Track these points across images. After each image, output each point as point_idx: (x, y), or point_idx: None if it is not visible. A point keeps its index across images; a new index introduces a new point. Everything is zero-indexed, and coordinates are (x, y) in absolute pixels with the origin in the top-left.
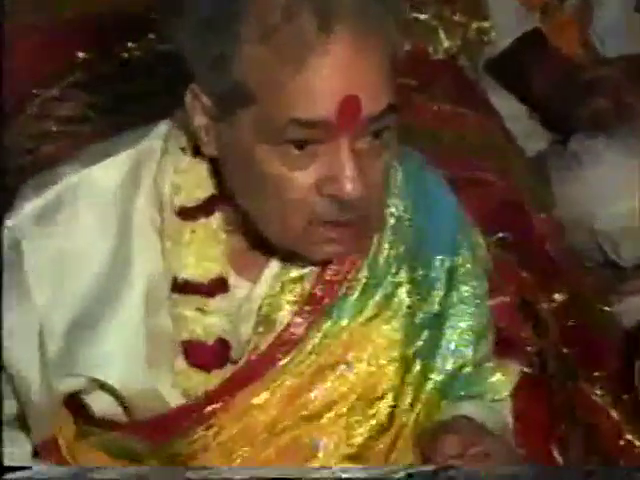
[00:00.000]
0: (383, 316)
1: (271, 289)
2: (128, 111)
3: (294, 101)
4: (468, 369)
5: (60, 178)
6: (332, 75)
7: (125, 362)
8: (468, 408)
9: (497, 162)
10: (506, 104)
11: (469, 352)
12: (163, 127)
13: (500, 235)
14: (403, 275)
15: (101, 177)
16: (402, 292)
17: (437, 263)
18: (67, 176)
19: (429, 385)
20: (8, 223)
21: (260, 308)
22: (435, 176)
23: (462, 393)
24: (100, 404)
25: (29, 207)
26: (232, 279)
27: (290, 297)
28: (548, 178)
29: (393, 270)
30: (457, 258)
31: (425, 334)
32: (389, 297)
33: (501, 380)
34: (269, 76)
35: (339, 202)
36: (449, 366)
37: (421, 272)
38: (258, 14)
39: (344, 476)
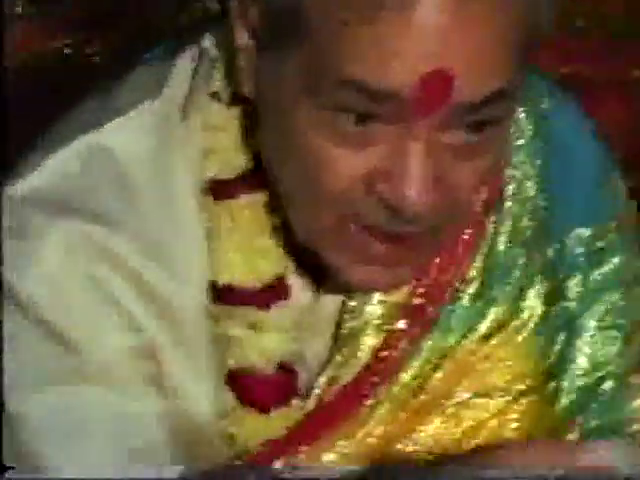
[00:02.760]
0: (509, 327)
1: (351, 295)
2: None
3: (356, 55)
4: (609, 384)
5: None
6: (419, 35)
7: None
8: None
9: None
10: None
11: (612, 358)
12: (186, 62)
13: None
14: (534, 263)
15: (121, 144)
16: (534, 290)
17: (572, 238)
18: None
19: (556, 410)
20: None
21: (338, 321)
22: (570, 111)
23: (594, 423)
24: None
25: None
26: (292, 279)
27: (380, 307)
28: None
29: (520, 260)
30: (599, 227)
31: (560, 341)
32: (515, 299)
33: None
34: (333, 9)
35: (395, 210)
36: (583, 381)
37: (553, 252)
38: None
39: None
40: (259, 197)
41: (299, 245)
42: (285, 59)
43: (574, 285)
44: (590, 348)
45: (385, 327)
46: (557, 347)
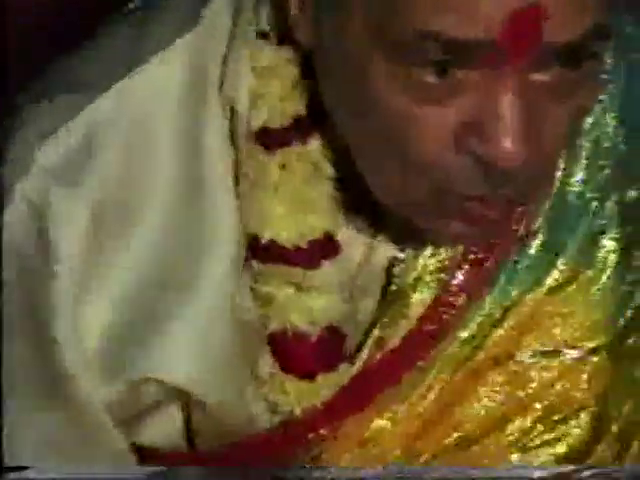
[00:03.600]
0: (581, 279)
1: (403, 248)
2: None
3: (435, 3)
4: None
5: (87, 98)
6: None
7: (199, 363)
8: None
9: None
10: None
11: None
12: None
13: None
14: (609, 209)
15: (159, 77)
16: (609, 237)
17: None
18: (97, 94)
19: (633, 371)
20: (17, 186)
21: (389, 277)
22: None
23: None
24: (159, 424)
25: (47, 157)
26: (342, 234)
27: (433, 260)
28: None
29: (593, 205)
30: None
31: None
32: (588, 247)
33: None
34: None
35: (488, 167)
36: None
37: (633, 194)
38: None
39: None
40: (311, 146)
41: (355, 196)
42: (349, 8)
43: None
44: None
45: (439, 282)
46: (637, 301)
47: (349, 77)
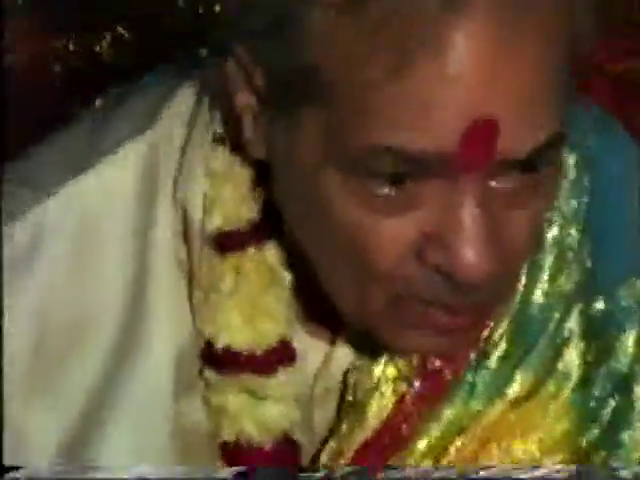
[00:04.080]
0: (543, 391)
1: (361, 355)
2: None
3: (386, 118)
4: None
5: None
6: (457, 84)
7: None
8: None
9: None
10: None
11: None
12: (184, 100)
13: None
14: (574, 319)
15: (111, 179)
16: (573, 350)
17: (624, 289)
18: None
19: None
20: None
21: (345, 386)
22: (619, 148)
23: None
24: None
25: None
26: (300, 341)
27: (391, 369)
28: None
29: (556, 314)
30: None
31: (608, 410)
32: (552, 358)
33: None
34: (354, 68)
35: (451, 278)
36: None
37: (600, 307)
38: None
39: None
40: (266, 251)
41: (313, 303)
42: (301, 122)
43: (626, 343)
44: None
45: (395, 391)
46: (605, 416)
47: (303, 189)
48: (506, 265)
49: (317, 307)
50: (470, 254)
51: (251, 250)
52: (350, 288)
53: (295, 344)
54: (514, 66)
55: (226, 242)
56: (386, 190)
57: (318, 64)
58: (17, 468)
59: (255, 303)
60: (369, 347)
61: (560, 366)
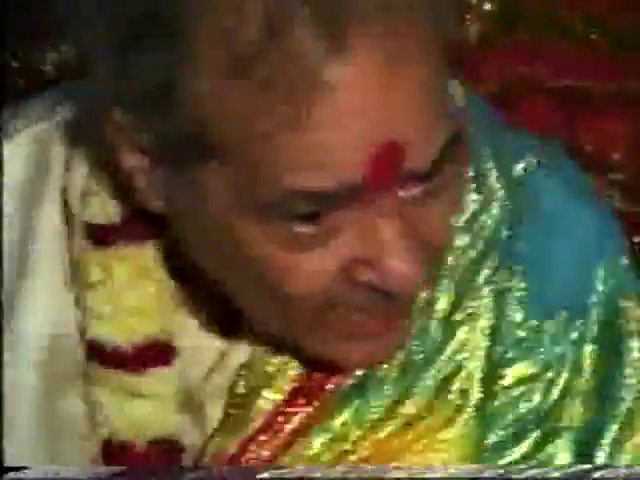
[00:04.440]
0: (438, 415)
1: (254, 352)
2: None
3: (290, 164)
4: None
5: None
6: (353, 120)
7: None
8: None
9: None
10: None
11: None
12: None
13: None
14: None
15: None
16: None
17: (557, 324)
18: None
19: None
20: None
21: (235, 384)
22: (554, 173)
23: None
24: None
25: None
26: (191, 337)
27: (282, 367)
28: None
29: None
30: (590, 316)
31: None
32: (447, 379)
33: None
34: (246, 124)
35: (384, 291)
36: None
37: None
38: (216, 20)
39: None
40: (140, 250)
41: (208, 302)
42: (203, 179)
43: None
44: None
45: (283, 390)
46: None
47: (214, 235)
48: (427, 259)
49: (210, 308)
50: (400, 267)
51: (121, 246)
52: (271, 309)
53: (186, 340)
54: (403, 90)
55: (96, 235)
56: (304, 228)
57: (208, 124)
58: (17, 468)
59: (120, 299)
60: (264, 345)
61: (453, 386)
